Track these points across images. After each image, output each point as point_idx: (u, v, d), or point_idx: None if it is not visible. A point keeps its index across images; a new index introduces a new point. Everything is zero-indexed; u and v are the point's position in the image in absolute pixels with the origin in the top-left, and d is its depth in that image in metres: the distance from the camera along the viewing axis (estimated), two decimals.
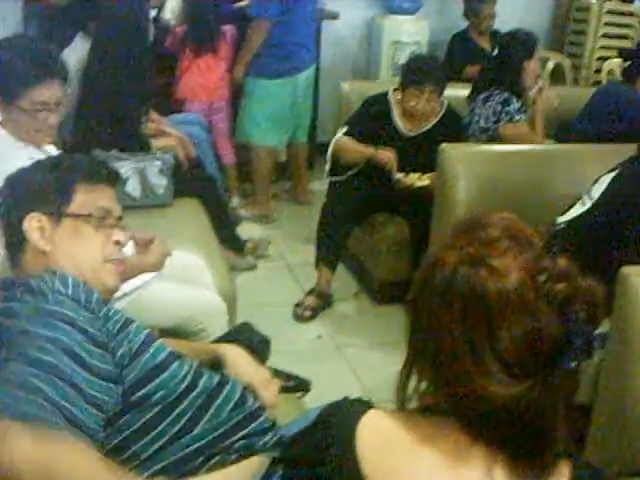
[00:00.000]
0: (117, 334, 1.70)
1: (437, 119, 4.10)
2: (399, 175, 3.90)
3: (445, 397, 1.18)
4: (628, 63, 4.30)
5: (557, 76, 6.40)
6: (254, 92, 5.09)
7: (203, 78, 5.11)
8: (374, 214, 4.12)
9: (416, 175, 3.91)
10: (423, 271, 1.20)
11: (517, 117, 4.03)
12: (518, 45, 4.13)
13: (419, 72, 3.96)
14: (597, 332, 1.12)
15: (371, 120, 4.09)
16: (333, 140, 4.19)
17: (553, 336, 1.09)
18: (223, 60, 5.15)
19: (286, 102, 5.12)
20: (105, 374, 1.59)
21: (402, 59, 5.68)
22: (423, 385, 1.22)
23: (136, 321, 1.79)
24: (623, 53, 4.45)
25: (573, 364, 1.09)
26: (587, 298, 1.11)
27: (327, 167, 4.27)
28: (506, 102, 4.02)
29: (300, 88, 5.16)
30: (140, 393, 1.68)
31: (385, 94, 4.15)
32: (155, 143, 4.07)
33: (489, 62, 4.39)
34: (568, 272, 1.13)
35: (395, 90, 4.12)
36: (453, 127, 4.08)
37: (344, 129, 4.14)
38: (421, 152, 3.94)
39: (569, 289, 1.11)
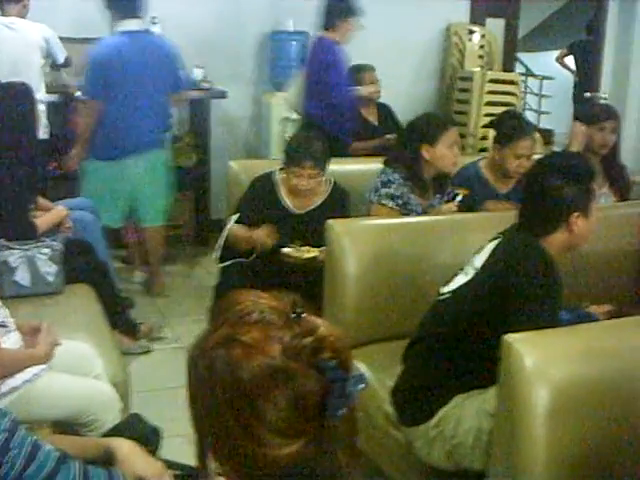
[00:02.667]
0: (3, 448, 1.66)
1: (325, 197, 4.15)
2: (286, 249, 3.92)
3: (233, 471, 1.21)
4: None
5: None
6: (86, 171, 5.16)
7: None
8: (267, 292, 4.11)
9: (305, 248, 3.93)
10: (188, 361, 1.25)
11: (384, 202, 4.00)
12: (415, 129, 4.10)
13: (298, 151, 3.98)
14: (353, 375, 1.18)
15: (259, 202, 4.10)
16: (225, 229, 4.19)
17: (313, 391, 1.14)
18: None
19: (116, 184, 5.12)
20: None
21: (291, 135, 5.77)
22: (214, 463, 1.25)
23: (21, 429, 1.75)
24: (492, 123, 4.59)
25: (339, 412, 1.15)
26: (333, 346, 1.17)
27: (216, 255, 4.27)
28: (385, 184, 4.02)
29: (138, 171, 5.15)
30: None
31: (270, 174, 4.18)
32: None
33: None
34: (312, 326, 1.18)
35: (281, 169, 4.15)
36: (340, 204, 4.11)
37: (235, 216, 4.15)
38: (312, 229, 3.94)
39: (315, 342, 1.16)
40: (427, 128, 4.10)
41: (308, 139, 4.12)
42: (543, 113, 9.67)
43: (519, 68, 9.71)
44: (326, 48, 5.60)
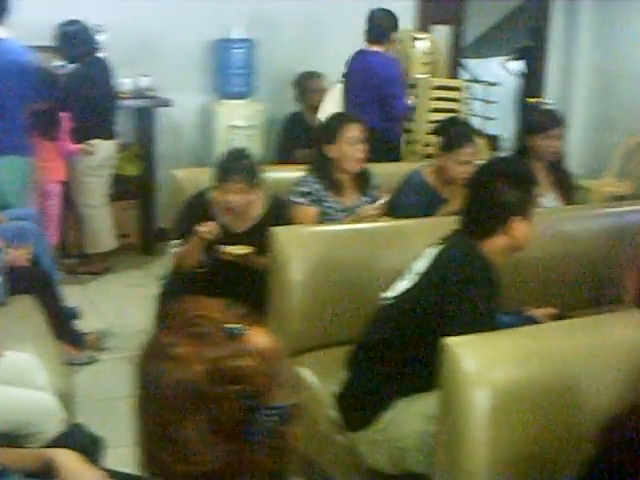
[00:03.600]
0: None
1: (264, 212, 4.08)
2: (222, 246, 3.88)
3: None
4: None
5: None
6: None
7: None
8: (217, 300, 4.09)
9: (242, 246, 3.90)
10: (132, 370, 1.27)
11: (298, 200, 4.12)
12: (319, 128, 4.20)
13: (227, 167, 3.93)
14: (274, 406, 1.19)
15: (194, 222, 3.95)
16: (171, 253, 4.14)
17: (232, 417, 1.15)
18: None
19: None
20: None
21: (237, 143, 5.77)
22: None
23: None
24: (436, 130, 4.64)
25: (258, 439, 1.16)
26: (257, 375, 1.18)
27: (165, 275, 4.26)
28: (298, 184, 4.16)
29: None
30: None
31: (202, 193, 4.09)
32: None
33: None
34: (246, 348, 1.19)
35: (214, 187, 4.02)
36: (281, 218, 4.00)
37: (175, 242, 4.08)
38: (255, 246, 3.88)
39: (241, 368, 1.17)
40: (326, 127, 4.18)
41: (237, 155, 4.05)
42: (489, 119, 9.73)
43: (466, 75, 9.80)
44: (389, 63, 5.81)
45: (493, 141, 8.76)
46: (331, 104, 5.73)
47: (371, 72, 5.72)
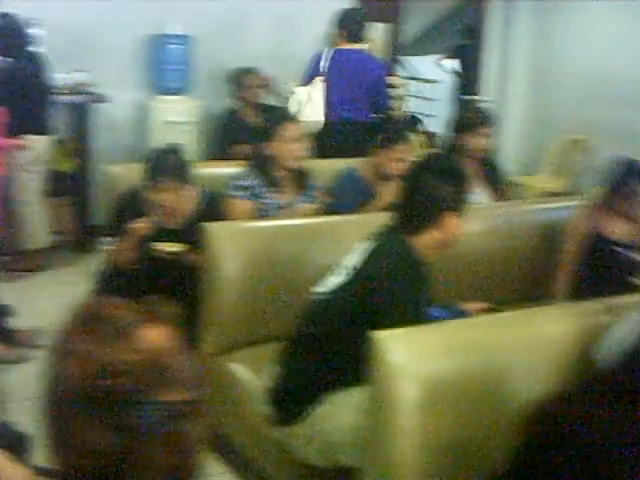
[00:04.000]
0: None
1: (197, 208, 4.03)
2: (155, 243, 3.83)
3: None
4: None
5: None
6: None
7: None
8: (145, 298, 4.05)
9: (174, 244, 3.88)
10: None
11: (235, 194, 4.14)
12: (269, 123, 4.21)
13: (155, 168, 3.88)
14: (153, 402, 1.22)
15: (128, 220, 3.89)
16: (105, 250, 4.11)
17: (121, 409, 1.17)
18: None
19: None
20: None
21: (174, 139, 5.73)
22: None
23: None
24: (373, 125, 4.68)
25: (148, 432, 1.19)
26: (139, 371, 1.20)
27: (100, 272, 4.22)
28: (237, 177, 4.17)
29: None
30: None
31: (134, 190, 4.03)
32: None
33: None
34: (136, 346, 1.21)
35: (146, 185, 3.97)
36: (214, 213, 3.98)
37: (108, 240, 4.05)
38: (189, 242, 3.84)
39: (128, 364, 1.19)
40: (266, 125, 4.20)
41: (166, 154, 4.00)
42: (428, 116, 9.83)
43: (405, 72, 9.88)
44: (376, 61, 6.01)
45: (430, 138, 8.83)
46: (318, 100, 5.73)
47: (366, 69, 5.78)
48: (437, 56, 10.56)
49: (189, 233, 3.85)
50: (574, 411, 2.06)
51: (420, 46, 10.96)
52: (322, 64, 5.75)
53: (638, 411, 2.00)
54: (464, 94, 9.19)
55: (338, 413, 2.80)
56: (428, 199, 2.84)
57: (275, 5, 6.83)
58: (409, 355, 2.38)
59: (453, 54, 10.10)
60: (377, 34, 7.79)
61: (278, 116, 4.42)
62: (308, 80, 5.75)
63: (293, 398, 2.93)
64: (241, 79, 6.21)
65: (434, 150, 6.27)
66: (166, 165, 3.88)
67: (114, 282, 3.99)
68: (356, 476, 2.59)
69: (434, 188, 2.84)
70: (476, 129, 4.62)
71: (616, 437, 1.96)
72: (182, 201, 3.94)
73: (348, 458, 2.75)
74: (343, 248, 3.07)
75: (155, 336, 1.24)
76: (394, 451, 2.39)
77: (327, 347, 2.85)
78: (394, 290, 2.70)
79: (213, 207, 4.06)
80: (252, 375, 3.30)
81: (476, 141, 4.60)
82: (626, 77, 7.05)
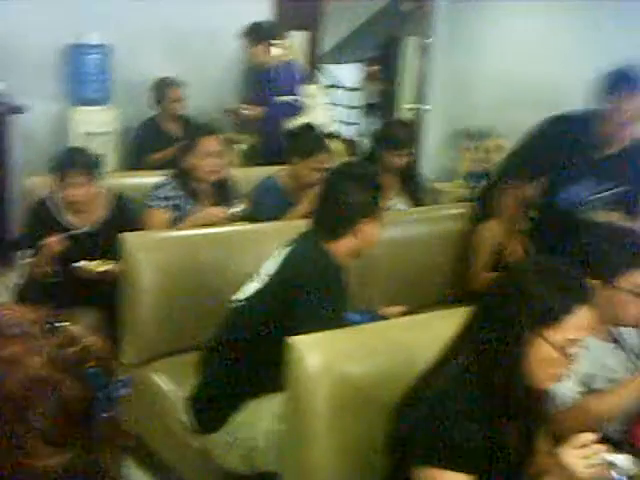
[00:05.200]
0: None
1: (109, 210, 4.10)
2: (81, 263, 3.87)
3: None
4: None
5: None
6: None
7: None
8: (68, 308, 4.04)
9: (99, 261, 3.89)
10: None
11: (155, 204, 4.15)
12: (189, 136, 4.28)
13: (62, 164, 3.96)
14: (117, 379, 1.24)
15: (39, 229, 3.95)
16: (23, 263, 4.10)
17: (78, 398, 1.19)
18: None
19: None
20: None
21: (94, 150, 5.69)
22: None
23: None
24: (290, 136, 4.72)
25: (104, 414, 1.21)
26: (97, 353, 1.22)
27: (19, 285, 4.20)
28: (158, 187, 4.18)
29: None
30: None
31: (44, 199, 4.07)
32: None
33: None
34: (72, 336, 1.23)
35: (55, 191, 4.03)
36: (126, 218, 4.06)
37: (25, 252, 4.04)
38: (103, 245, 3.89)
39: (79, 351, 1.21)
40: (186, 137, 4.25)
41: (73, 151, 4.16)
42: (349, 124, 9.91)
43: (326, 80, 9.94)
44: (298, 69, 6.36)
45: (351, 146, 8.90)
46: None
47: (297, 80, 6.14)
48: (360, 64, 10.64)
49: (102, 237, 3.91)
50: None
51: (341, 54, 11.03)
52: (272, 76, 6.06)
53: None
54: (386, 101, 9.28)
55: (257, 419, 2.83)
56: (344, 206, 2.89)
57: (195, 15, 6.83)
58: (324, 359, 2.42)
59: (374, 62, 10.18)
60: (296, 42, 7.84)
61: (198, 130, 4.42)
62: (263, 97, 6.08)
63: (213, 406, 2.96)
64: (162, 90, 6.19)
65: (353, 158, 6.35)
66: (74, 161, 3.97)
67: (33, 295, 3.97)
68: None
69: (350, 195, 2.89)
70: (398, 148, 4.66)
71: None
72: (92, 199, 3.99)
73: (267, 463, 2.79)
74: (263, 256, 3.09)
75: (83, 335, 1.24)
76: (311, 455, 2.43)
77: (245, 354, 2.87)
78: (310, 295, 2.74)
79: (124, 212, 4.12)
80: (173, 385, 3.32)
81: (398, 159, 4.65)
82: (545, 81, 7.18)
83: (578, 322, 2.04)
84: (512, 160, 4.20)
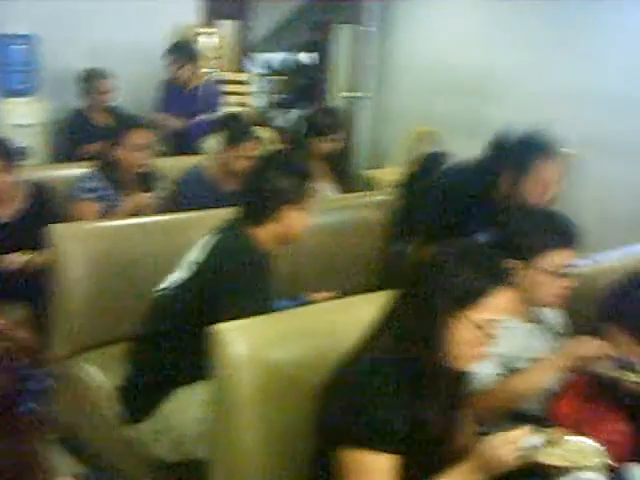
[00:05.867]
0: None
1: (28, 202, 4.08)
2: (5, 257, 3.84)
3: None
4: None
5: None
6: None
7: None
8: None
9: (19, 253, 3.86)
10: None
11: (82, 196, 4.18)
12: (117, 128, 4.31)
13: None
14: (44, 371, 1.26)
15: None
16: None
17: (6, 389, 1.21)
18: None
19: None
20: None
21: (21, 142, 5.64)
22: None
23: None
24: (221, 122, 4.72)
25: (31, 405, 1.23)
26: (25, 347, 1.25)
27: None
28: (83, 179, 4.20)
29: None
30: None
31: None
32: None
33: None
34: (1, 330, 1.26)
35: None
36: (48, 208, 4.08)
37: None
38: (23, 236, 3.88)
39: (5, 344, 1.24)
40: (114, 129, 4.25)
41: None
42: (282, 111, 9.92)
43: (259, 68, 9.96)
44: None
45: (283, 133, 8.91)
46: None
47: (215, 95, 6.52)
48: (292, 52, 10.65)
49: (23, 226, 3.91)
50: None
51: (271, 43, 11.03)
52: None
53: None
54: (317, 89, 9.30)
55: (185, 407, 2.85)
56: (267, 192, 2.92)
57: (123, 5, 6.78)
58: (249, 345, 2.42)
59: (306, 50, 10.20)
60: (226, 31, 7.83)
61: (126, 122, 4.42)
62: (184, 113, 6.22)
63: (142, 395, 2.97)
64: (91, 81, 6.14)
65: (284, 146, 6.37)
66: None
67: None
68: (206, 468, 2.64)
69: (274, 182, 2.92)
70: (326, 135, 4.69)
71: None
72: (10, 187, 3.98)
73: (197, 451, 2.80)
74: (190, 244, 3.10)
75: (13, 329, 1.26)
76: (239, 441, 2.44)
77: (172, 343, 2.89)
78: (235, 282, 2.77)
79: (45, 202, 4.12)
80: (103, 375, 3.31)
81: (325, 145, 4.69)
82: (471, 69, 7.28)
83: (496, 303, 2.07)
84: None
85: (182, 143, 6.12)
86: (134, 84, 6.64)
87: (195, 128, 6.12)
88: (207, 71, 6.83)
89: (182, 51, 6.34)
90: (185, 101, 6.35)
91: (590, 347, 2.58)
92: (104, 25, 6.76)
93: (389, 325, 2.18)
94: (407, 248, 3.92)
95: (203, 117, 6.18)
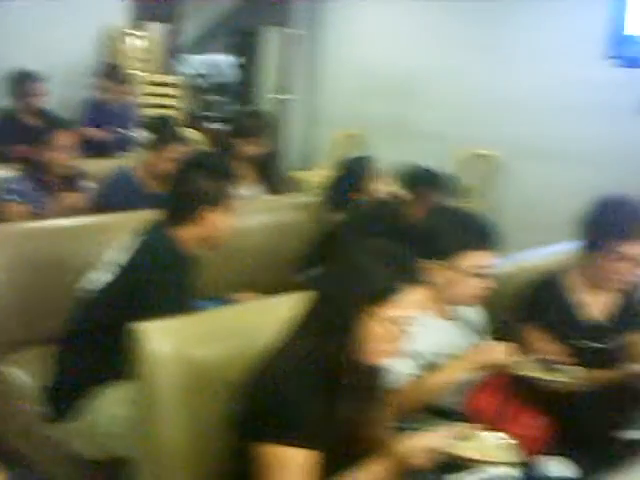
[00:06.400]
0: None
1: None
2: None
3: None
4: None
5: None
6: None
7: None
8: None
9: None
10: None
11: (6, 197, 4.19)
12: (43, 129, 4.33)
13: None
14: None
15: None
16: None
17: None
18: None
19: None
20: None
21: None
22: None
23: None
24: (147, 124, 4.74)
25: None
26: None
27: None
28: (7, 181, 4.22)
29: None
30: None
31: None
32: None
33: None
34: None
35: None
36: None
37: None
38: None
39: None
40: (41, 130, 4.27)
41: None
42: (211, 113, 9.93)
43: (189, 71, 9.94)
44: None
45: (211, 135, 8.93)
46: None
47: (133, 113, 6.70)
48: (223, 55, 10.67)
49: None
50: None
51: (200, 45, 11.03)
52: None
53: None
54: (247, 92, 9.33)
55: (107, 406, 2.88)
56: (187, 194, 2.97)
57: (46, 8, 6.72)
58: (171, 344, 2.45)
59: (235, 53, 10.22)
60: (155, 34, 7.83)
61: (52, 123, 4.43)
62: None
63: (65, 395, 2.99)
64: (24, 83, 6.10)
65: (212, 148, 6.40)
66: None
67: None
68: (130, 465, 2.66)
69: (194, 183, 2.96)
70: (248, 137, 4.76)
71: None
72: None
73: (120, 449, 2.82)
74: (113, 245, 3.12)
75: None
76: (161, 439, 2.46)
77: (95, 343, 2.91)
78: (159, 283, 2.80)
79: None
80: (28, 377, 3.31)
81: (250, 147, 4.75)
82: (396, 72, 7.38)
83: (407, 300, 2.13)
84: None
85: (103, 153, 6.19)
86: (61, 86, 6.60)
87: (117, 141, 6.36)
88: (134, 73, 6.83)
89: (111, 76, 6.56)
90: (109, 117, 6.56)
91: (496, 354, 2.66)
92: (27, 26, 6.70)
93: (307, 323, 2.22)
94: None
95: (125, 132, 6.41)
